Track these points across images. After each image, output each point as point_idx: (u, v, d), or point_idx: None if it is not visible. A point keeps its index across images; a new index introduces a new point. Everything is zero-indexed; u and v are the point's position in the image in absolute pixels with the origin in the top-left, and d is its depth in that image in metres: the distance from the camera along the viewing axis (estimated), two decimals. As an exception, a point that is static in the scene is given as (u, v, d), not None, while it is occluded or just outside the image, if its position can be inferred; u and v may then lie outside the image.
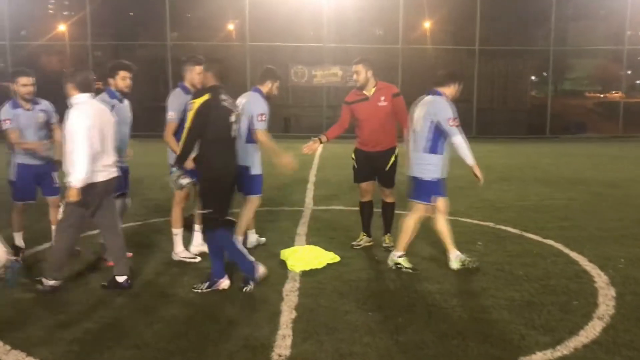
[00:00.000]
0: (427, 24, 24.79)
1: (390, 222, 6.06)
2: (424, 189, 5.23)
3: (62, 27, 25.89)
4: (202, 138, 4.56)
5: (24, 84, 5.36)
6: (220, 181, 4.63)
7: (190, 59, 5.49)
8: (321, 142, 5.98)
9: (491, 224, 7.03)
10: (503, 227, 6.86)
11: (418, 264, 5.44)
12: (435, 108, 5.09)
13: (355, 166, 5.96)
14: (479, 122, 20.45)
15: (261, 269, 4.74)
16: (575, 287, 4.86)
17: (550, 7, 20.28)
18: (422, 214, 5.31)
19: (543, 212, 7.80)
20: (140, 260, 5.45)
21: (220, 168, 4.63)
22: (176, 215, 5.53)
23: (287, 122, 23.77)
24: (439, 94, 5.21)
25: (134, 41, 25.43)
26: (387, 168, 5.81)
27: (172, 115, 5.32)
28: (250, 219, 5.77)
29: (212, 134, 4.54)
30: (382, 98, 5.72)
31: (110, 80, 5.35)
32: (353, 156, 5.97)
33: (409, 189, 5.39)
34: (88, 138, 4.42)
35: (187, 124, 4.53)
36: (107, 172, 4.68)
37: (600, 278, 5.05)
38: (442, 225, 5.38)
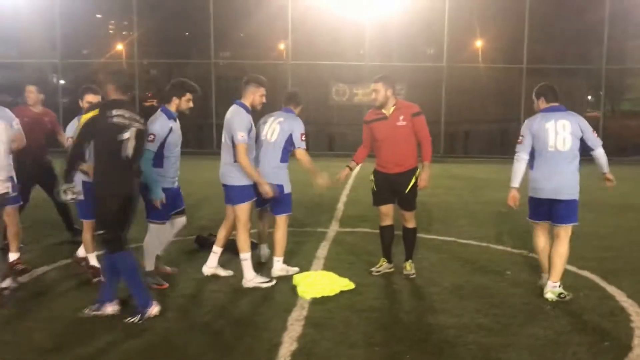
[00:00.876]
0: (474, 43, 24.30)
1: (411, 248, 5.75)
2: (575, 210, 5.02)
3: (119, 47, 26.78)
4: (95, 155, 4.42)
5: (88, 101, 5.47)
6: (110, 201, 4.34)
7: (254, 79, 5.37)
8: (351, 169, 5.85)
9: (524, 252, 6.59)
10: (536, 256, 6.40)
11: (438, 294, 5.12)
12: (581, 123, 4.96)
13: (375, 188, 5.69)
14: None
15: (155, 309, 4.42)
16: (608, 325, 4.43)
17: (602, 25, 19.50)
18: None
19: (583, 240, 7.25)
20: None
21: (108, 187, 4.36)
22: (242, 239, 5.29)
23: (331, 140, 23.64)
24: (564, 109, 5.06)
25: (186, 59, 25.98)
26: (407, 190, 5.52)
27: (243, 136, 5.12)
28: (285, 237, 5.63)
29: (100, 152, 4.37)
30: (401, 118, 5.46)
31: (175, 100, 5.20)
32: (372, 178, 5.72)
33: (536, 212, 5.19)
34: None
35: (73, 140, 4.39)
36: None
37: (638, 317, 4.59)
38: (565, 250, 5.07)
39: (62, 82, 22.01)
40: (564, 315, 4.62)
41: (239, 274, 5.41)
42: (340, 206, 9.48)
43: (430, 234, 7.42)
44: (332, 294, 5.03)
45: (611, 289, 5.24)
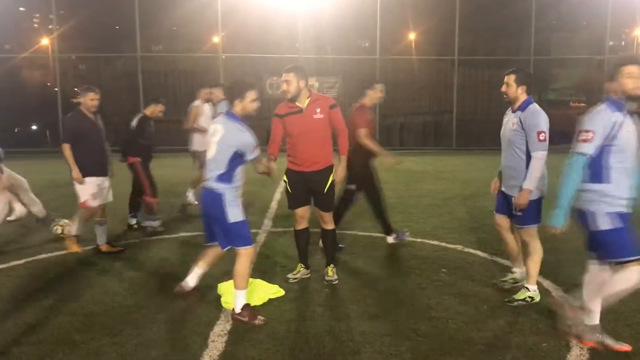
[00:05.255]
0: (406, 35, 24.39)
1: (332, 251, 5.39)
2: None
3: (44, 41, 25.48)
4: None
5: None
6: None
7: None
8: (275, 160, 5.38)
9: (459, 247, 6.44)
10: (472, 251, 6.28)
11: (373, 298, 4.85)
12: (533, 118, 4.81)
13: (289, 190, 5.26)
14: (459, 134, 20.01)
15: None
16: (545, 324, 4.28)
17: (530, 17, 19.94)
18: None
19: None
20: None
21: None
22: None
23: (268, 133, 23.17)
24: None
25: (118, 53, 24.91)
26: (325, 190, 5.14)
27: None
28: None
29: None
30: (318, 110, 5.03)
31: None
32: (285, 179, 5.27)
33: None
34: None
35: None
36: None
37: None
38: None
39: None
40: (501, 315, 4.44)
41: (169, 285, 4.98)
42: (274, 204, 9.10)
43: (364, 231, 7.18)
44: (260, 303, 4.67)
45: (547, 284, 5.12)
